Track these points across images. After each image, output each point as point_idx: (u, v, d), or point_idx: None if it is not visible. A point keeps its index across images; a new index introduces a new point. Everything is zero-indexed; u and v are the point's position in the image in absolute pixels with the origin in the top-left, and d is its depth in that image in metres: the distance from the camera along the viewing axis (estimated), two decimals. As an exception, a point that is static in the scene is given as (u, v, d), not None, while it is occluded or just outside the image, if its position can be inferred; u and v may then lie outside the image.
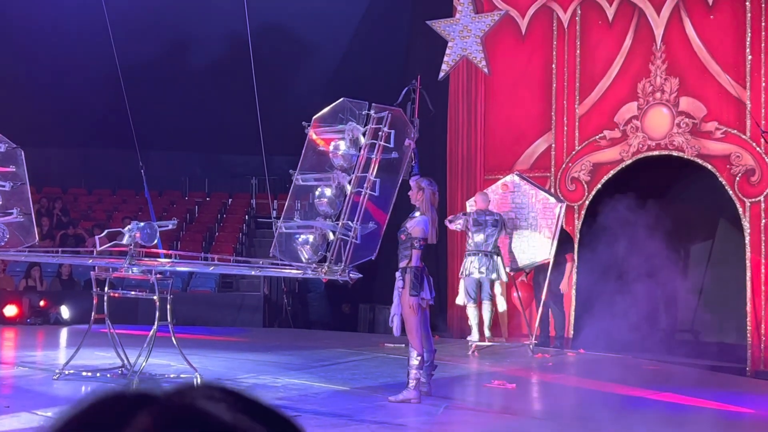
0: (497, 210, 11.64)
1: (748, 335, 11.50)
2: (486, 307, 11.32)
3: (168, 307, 8.21)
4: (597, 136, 12.87)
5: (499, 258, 11.30)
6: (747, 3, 11.79)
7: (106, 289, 8.45)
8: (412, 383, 7.60)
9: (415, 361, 7.61)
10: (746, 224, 11.67)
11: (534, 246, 11.63)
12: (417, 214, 7.70)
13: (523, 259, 11.67)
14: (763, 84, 11.62)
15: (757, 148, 11.63)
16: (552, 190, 12.85)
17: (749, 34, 11.74)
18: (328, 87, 17.67)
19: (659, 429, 7.11)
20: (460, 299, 11.54)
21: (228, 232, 19.43)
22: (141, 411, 0.95)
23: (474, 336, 11.42)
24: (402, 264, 7.70)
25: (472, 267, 11.27)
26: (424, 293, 7.65)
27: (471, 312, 11.35)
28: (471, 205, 12.24)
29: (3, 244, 8.94)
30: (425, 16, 14.59)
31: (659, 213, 12.37)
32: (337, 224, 7.49)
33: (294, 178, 7.76)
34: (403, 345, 7.97)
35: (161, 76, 19.05)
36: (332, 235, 7.51)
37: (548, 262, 11.78)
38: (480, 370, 10.22)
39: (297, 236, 7.64)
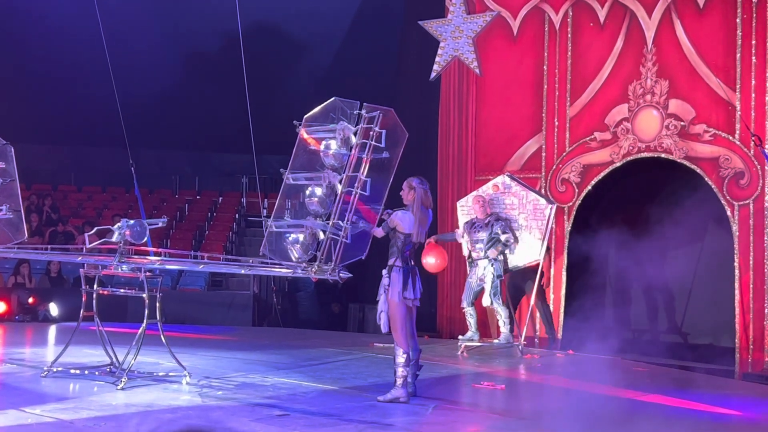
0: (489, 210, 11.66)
1: (737, 337, 11.54)
2: (496, 310, 11.38)
3: (157, 305, 8.20)
4: (587, 138, 12.90)
5: (490, 263, 11.31)
6: (738, 7, 11.82)
7: (95, 286, 8.43)
8: (399, 381, 7.62)
9: (401, 359, 7.64)
10: (735, 227, 11.70)
11: (524, 247, 11.65)
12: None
13: (513, 260, 11.69)
14: (753, 86, 11.66)
15: (747, 152, 11.65)
16: (542, 191, 12.88)
17: (740, 37, 11.77)
18: (319, 86, 17.69)
19: (647, 431, 7.13)
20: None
21: (218, 231, 19.42)
22: None
23: (467, 335, 11.48)
24: (390, 262, 7.76)
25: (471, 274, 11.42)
26: (408, 292, 7.69)
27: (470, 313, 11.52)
28: (462, 206, 12.27)
29: (-8, 240, 8.93)
30: (417, 16, 14.61)
31: (648, 215, 12.41)
32: (328, 224, 7.48)
33: (285, 177, 7.76)
34: (393, 344, 7.97)
35: (152, 73, 19.01)
36: (322, 235, 7.51)
37: (538, 264, 11.81)
38: (469, 370, 10.22)
39: (287, 235, 7.63)
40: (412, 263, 7.82)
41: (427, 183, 7.94)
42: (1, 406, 6.78)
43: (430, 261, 11.23)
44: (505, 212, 11.73)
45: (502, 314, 11.35)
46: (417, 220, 7.75)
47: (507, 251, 11.43)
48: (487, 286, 11.27)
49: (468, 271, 11.60)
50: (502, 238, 11.31)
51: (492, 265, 11.28)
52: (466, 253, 11.76)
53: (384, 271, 7.78)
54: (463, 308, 11.52)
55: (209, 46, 19.37)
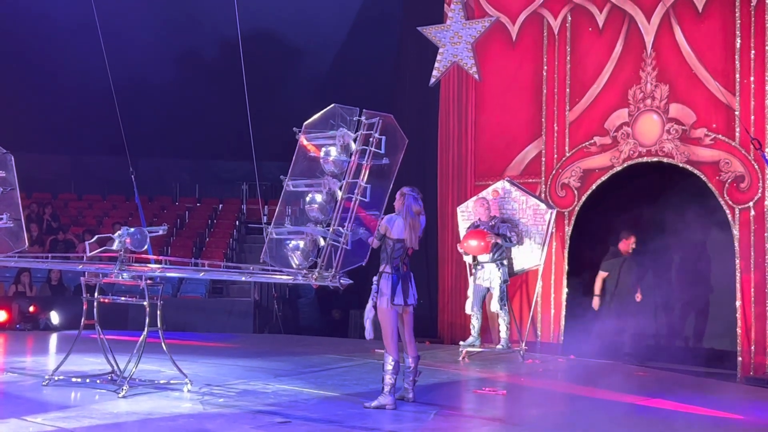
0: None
1: (738, 341, 11.52)
2: (502, 315, 11.37)
3: (158, 312, 8.20)
4: (587, 143, 12.89)
5: (496, 267, 11.30)
6: (736, 10, 11.83)
7: (96, 294, 8.43)
8: (386, 388, 7.62)
9: (389, 366, 7.65)
10: (735, 231, 11.69)
11: (525, 252, 11.66)
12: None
13: (514, 265, 11.69)
14: (753, 90, 11.65)
15: (747, 155, 11.65)
16: (542, 196, 12.88)
17: (738, 41, 11.77)
18: (319, 93, 17.72)
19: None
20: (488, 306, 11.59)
21: (218, 238, 19.41)
22: None
23: (468, 340, 11.46)
24: (380, 268, 7.78)
25: (477, 277, 11.42)
26: (398, 299, 7.69)
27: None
28: (462, 211, 12.27)
29: (-8, 249, 8.93)
30: (416, 22, 14.61)
31: (649, 219, 12.40)
32: (328, 230, 7.48)
33: (285, 184, 7.76)
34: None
35: (151, 81, 19.03)
36: (323, 241, 7.51)
37: (538, 269, 11.81)
38: (470, 375, 10.22)
39: (288, 242, 7.64)
40: (405, 269, 7.81)
41: (418, 192, 7.96)
42: (2, 415, 6.78)
43: (472, 243, 11.23)
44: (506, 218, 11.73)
45: (505, 320, 11.35)
46: (408, 226, 7.75)
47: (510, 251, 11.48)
48: (495, 292, 11.26)
49: (472, 275, 11.57)
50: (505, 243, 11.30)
51: (499, 269, 11.27)
52: (469, 256, 11.76)
53: (374, 278, 7.79)
54: (472, 313, 11.49)
55: (208, 53, 19.41)
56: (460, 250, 11.69)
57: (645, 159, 12.43)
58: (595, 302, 12.28)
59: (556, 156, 13.17)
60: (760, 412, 8.60)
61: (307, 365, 10.40)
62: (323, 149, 7.63)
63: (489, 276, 11.31)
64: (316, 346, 12.70)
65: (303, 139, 7.72)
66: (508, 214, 11.81)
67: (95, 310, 8.41)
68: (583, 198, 12.86)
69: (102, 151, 19.74)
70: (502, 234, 11.28)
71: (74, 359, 8.77)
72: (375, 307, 7.80)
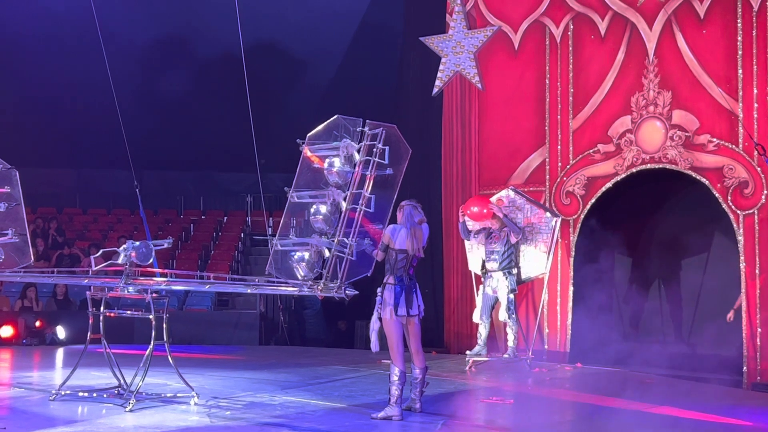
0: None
1: (744, 347, 11.50)
2: (510, 324, 11.38)
3: (164, 326, 8.20)
4: (591, 150, 12.90)
5: (504, 275, 11.31)
6: (738, 17, 11.84)
7: (101, 308, 8.44)
8: (392, 399, 7.61)
9: (395, 377, 7.64)
10: (740, 236, 11.68)
11: (530, 260, 11.66)
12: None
13: (524, 272, 11.69)
14: (755, 96, 11.66)
15: (751, 161, 11.65)
16: (547, 204, 12.88)
17: (740, 47, 11.78)
18: (322, 104, 17.73)
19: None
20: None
21: (223, 250, 19.43)
22: None
23: (475, 349, 11.45)
24: (384, 279, 7.79)
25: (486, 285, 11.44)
26: (401, 309, 7.68)
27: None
28: (463, 216, 12.27)
29: (-2, 264, 8.94)
30: (418, 32, 14.64)
31: (654, 226, 12.39)
32: (333, 241, 7.49)
33: (289, 195, 7.77)
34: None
35: (155, 94, 19.07)
36: (328, 252, 7.52)
37: (544, 277, 11.80)
38: (477, 385, 10.20)
39: (293, 253, 7.64)
40: (409, 280, 7.79)
41: (417, 202, 7.98)
42: (10, 430, 6.78)
43: (474, 209, 11.31)
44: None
45: (513, 329, 11.35)
46: (410, 234, 7.75)
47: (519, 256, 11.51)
48: (503, 301, 11.27)
49: (483, 282, 11.57)
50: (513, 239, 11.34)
51: (506, 278, 11.28)
52: (477, 265, 11.75)
53: (378, 290, 7.79)
54: (480, 321, 11.48)
55: (211, 65, 19.43)
56: (461, 216, 11.67)
57: (649, 166, 12.43)
58: (730, 314, 11.79)
59: (560, 164, 13.17)
60: (767, 418, 8.57)
61: (314, 377, 10.40)
62: (327, 160, 7.64)
63: (497, 285, 11.32)
64: (322, 357, 12.70)
65: (307, 151, 7.73)
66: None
67: (101, 324, 8.42)
68: (588, 206, 12.86)
69: (106, 165, 19.78)
70: (511, 218, 11.37)
71: (81, 374, 8.78)
72: (380, 318, 7.80)
